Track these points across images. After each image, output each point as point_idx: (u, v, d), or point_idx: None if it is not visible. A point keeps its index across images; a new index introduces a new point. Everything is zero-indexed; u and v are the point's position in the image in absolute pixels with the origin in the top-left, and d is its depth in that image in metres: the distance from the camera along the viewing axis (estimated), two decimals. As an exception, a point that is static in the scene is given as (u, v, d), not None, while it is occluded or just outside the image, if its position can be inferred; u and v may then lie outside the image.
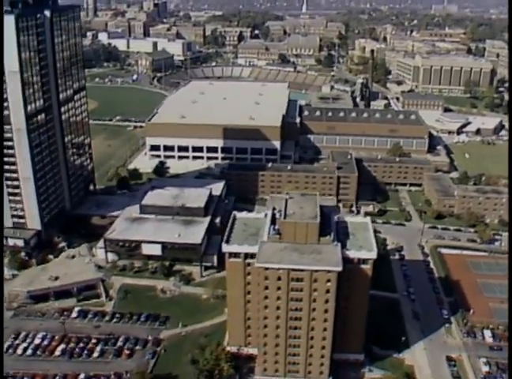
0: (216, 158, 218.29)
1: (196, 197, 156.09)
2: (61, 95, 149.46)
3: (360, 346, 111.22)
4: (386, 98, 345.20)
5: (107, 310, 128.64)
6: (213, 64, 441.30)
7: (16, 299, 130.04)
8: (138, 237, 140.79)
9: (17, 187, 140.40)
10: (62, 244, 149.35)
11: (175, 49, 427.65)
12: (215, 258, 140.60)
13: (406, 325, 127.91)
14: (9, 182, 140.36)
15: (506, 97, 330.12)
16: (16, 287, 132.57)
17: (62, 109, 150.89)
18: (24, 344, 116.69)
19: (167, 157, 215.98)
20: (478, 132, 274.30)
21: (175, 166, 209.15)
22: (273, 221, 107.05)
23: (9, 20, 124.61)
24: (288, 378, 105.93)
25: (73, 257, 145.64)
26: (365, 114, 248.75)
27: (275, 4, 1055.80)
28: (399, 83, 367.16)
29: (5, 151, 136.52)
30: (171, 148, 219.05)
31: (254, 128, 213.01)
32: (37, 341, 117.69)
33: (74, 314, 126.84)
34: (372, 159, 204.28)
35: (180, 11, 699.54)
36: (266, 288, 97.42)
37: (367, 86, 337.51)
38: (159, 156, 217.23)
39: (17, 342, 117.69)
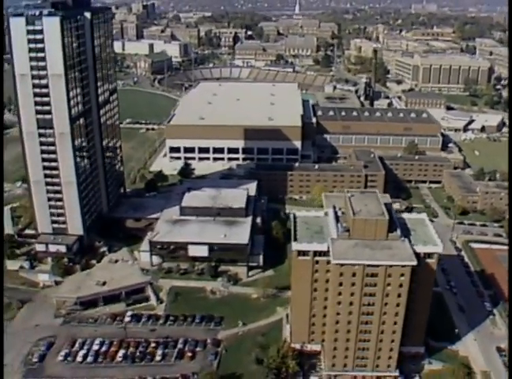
0: (237, 159, 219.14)
1: (234, 197, 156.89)
2: (100, 98, 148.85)
3: (422, 339, 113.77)
4: (388, 97, 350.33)
5: (159, 313, 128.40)
6: (210, 65, 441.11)
7: (64, 306, 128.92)
8: (184, 239, 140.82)
9: (59, 192, 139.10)
10: (103, 248, 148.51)
11: (173, 51, 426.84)
12: (260, 258, 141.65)
13: (453, 318, 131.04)
14: (49, 187, 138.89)
15: (504, 94, 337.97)
16: (63, 294, 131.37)
17: (101, 111, 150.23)
18: (83, 351, 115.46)
19: (187, 159, 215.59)
20: (483, 129, 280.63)
21: (198, 167, 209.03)
22: (337, 219, 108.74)
23: (55, 23, 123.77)
24: (356, 372, 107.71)
25: (116, 261, 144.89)
26: (377, 114, 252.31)
27: (256, 5, 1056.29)
28: (399, 82, 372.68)
29: (46, 155, 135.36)
30: (192, 150, 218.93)
31: (275, 128, 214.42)
32: (95, 347, 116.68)
33: (127, 319, 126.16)
34: (393, 158, 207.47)
35: (168, 12, 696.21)
36: (340, 284, 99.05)
37: (370, 85, 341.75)
38: (179, 158, 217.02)
39: (75, 349, 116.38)
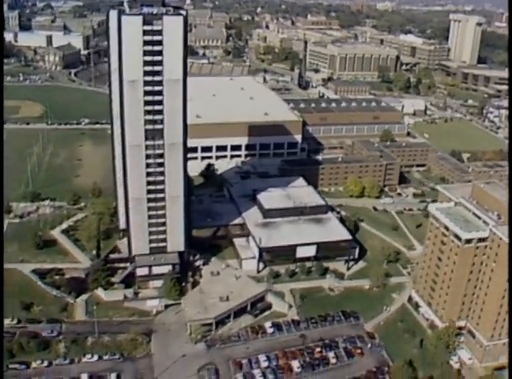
0: (240, 156, 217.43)
1: (306, 195, 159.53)
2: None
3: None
4: (313, 86, 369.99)
5: (295, 318, 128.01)
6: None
7: (199, 330, 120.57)
8: (292, 241, 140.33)
9: (162, 208, 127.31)
10: (199, 262, 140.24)
11: (76, 43, 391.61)
12: (356, 251, 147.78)
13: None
14: (152, 204, 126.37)
15: (412, 79, 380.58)
16: (193, 317, 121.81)
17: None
18: (257, 371, 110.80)
19: (189, 159, 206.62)
20: (414, 113, 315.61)
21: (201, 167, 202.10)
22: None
23: (178, 22, 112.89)
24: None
25: (218, 273, 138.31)
26: (343, 104, 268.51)
27: None
28: (316, 71, 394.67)
29: (152, 169, 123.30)
30: (194, 150, 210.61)
31: (278, 123, 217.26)
32: (265, 364, 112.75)
33: (270, 330, 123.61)
34: (386, 146, 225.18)
35: (36, 1, 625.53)
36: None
37: (301, 75, 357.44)
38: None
39: (246, 370, 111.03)
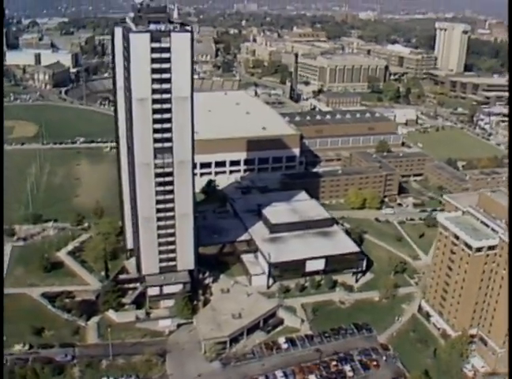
0: (239, 171, 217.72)
1: (310, 208, 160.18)
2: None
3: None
4: (304, 98, 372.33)
5: (308, 333, 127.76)
6: (105, 75, 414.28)
7: (213, 348, 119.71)
8: (301, 255, 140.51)
9: (172, 227, 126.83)
10: (208, 280, 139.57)
11: (65, 61, 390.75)
12: (364, 263, 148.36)
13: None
14: (161, 223, 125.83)
15: (401, 89, 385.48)
16: (207, 336, 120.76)
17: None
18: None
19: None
20: (406, 123, 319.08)
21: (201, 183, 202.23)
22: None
23: (185, 39, 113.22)
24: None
25: (228, 290, 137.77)
26: (338, 116, 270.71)
27: (100, 8, 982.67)
28: (306, 83, 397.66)
29: (161, 188, 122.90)
30: (193, 166, 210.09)
31: (276, 138, 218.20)
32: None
33: (284, 345, 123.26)
34: (384, 156, 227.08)
35: (21, 18, 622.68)
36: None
37: (293, 88, 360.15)
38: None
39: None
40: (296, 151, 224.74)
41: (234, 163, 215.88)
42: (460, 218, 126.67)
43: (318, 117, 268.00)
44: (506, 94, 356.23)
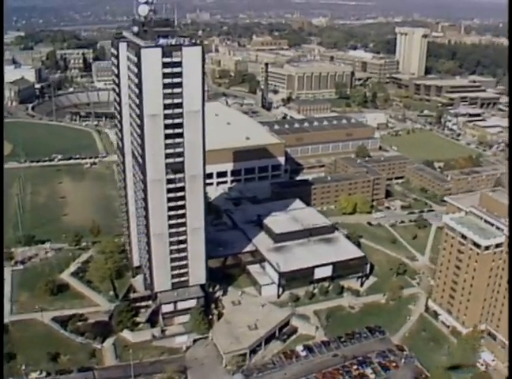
0: (225, 182, 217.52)
1: (310, 216, 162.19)
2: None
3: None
4: (274, 107, 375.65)
5: (324, 339, 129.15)
6: (71, 90, 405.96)
7: (234, 361, 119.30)
8: (310, 263, 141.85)
9: (184, 242, 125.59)
10: (218, 293, 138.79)
11: (29, 76, 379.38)
12: (368, 267, 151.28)
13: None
14: (173, 239, 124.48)
15: (368, 94, 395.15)
16: (228, 349, 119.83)
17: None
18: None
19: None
20: (378, 127, 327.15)
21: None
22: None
23: (197, 51, 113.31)
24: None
25: (239, 302, 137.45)
26: (315, 123, 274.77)
27: (51, 20, 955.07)
28: (275, 92, 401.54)
29: (173, 203, 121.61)
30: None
31: (262, 147, 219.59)
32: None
33: (303, 353, 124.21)
34: (366, 161, 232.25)
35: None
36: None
37: (264, 97, 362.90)
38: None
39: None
40: (281, 159, 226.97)
41: (220, 174, 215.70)
42: (464, 218, 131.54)
43: (297, 125, 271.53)
44: (470, 94, 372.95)
